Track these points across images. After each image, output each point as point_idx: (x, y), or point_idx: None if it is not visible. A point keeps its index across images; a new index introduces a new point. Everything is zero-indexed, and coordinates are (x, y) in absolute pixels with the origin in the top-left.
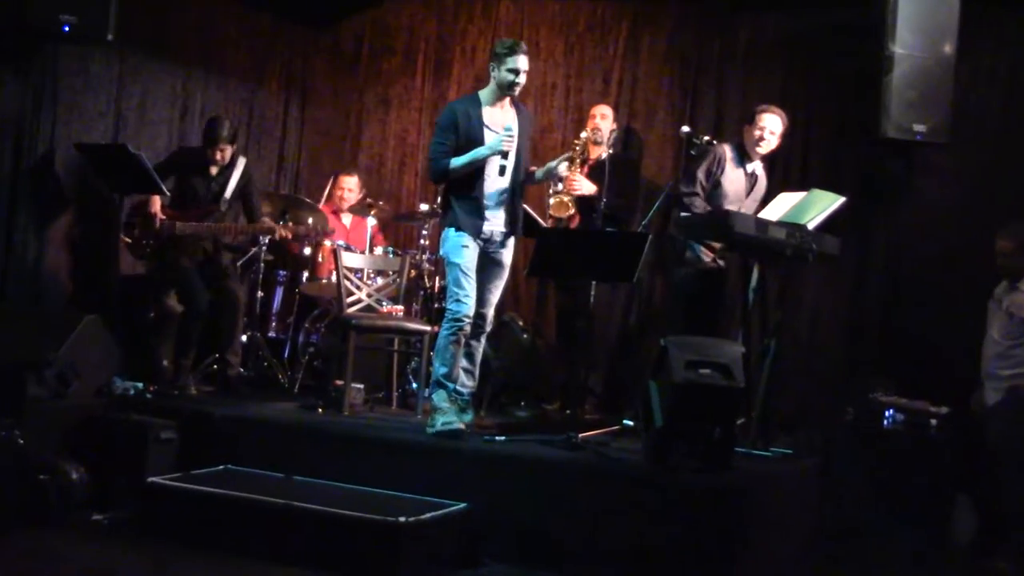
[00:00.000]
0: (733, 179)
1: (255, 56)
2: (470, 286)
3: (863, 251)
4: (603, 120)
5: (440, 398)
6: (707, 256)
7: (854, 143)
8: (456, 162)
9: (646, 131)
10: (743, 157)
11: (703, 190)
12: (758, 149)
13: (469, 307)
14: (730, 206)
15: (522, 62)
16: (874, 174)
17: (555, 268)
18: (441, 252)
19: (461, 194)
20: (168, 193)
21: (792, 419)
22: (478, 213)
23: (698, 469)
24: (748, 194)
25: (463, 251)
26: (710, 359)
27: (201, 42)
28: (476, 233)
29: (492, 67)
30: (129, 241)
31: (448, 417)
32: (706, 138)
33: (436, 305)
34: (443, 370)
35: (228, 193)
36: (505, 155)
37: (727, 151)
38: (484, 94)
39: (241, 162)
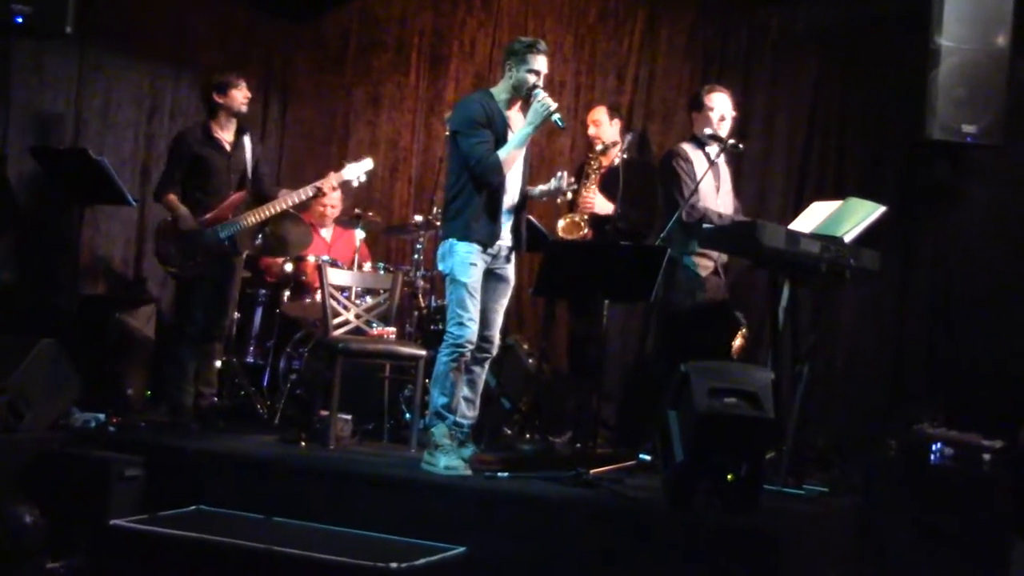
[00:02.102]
0: (702, 173)
1: (230, 52)
2: (475, 308)
3: (906, 266)
4: (597, 127)
5: (439, 432)
6: (705, 270)
7: (896, 146)
8: (504, 153)
9: (664, 134)
10: (702, 148)
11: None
12: (719, 132)
13: (473, 331)
14: (708, 204)
15: (542, 62)
16: (918, 180)
17: (564, 286)
18: (442, 268)
19: (480, 200)
20: (134, 203)
21: (828, 453)
22: (495, 221)
23: (723, 509)
24: (719, 187)
25: (471, 269)
26: (736, 386)
27: (171, 36)
28: (490, 242)
29: (508, 65)
30: (174, 270)
31: (451, 460)
32: (731, 141)
33: (432, 327)
34: (443, 400)
35: (249, 171)
36: (560, 119)
37: (685, 147)
38: (498, 93)
39: (246, 136)
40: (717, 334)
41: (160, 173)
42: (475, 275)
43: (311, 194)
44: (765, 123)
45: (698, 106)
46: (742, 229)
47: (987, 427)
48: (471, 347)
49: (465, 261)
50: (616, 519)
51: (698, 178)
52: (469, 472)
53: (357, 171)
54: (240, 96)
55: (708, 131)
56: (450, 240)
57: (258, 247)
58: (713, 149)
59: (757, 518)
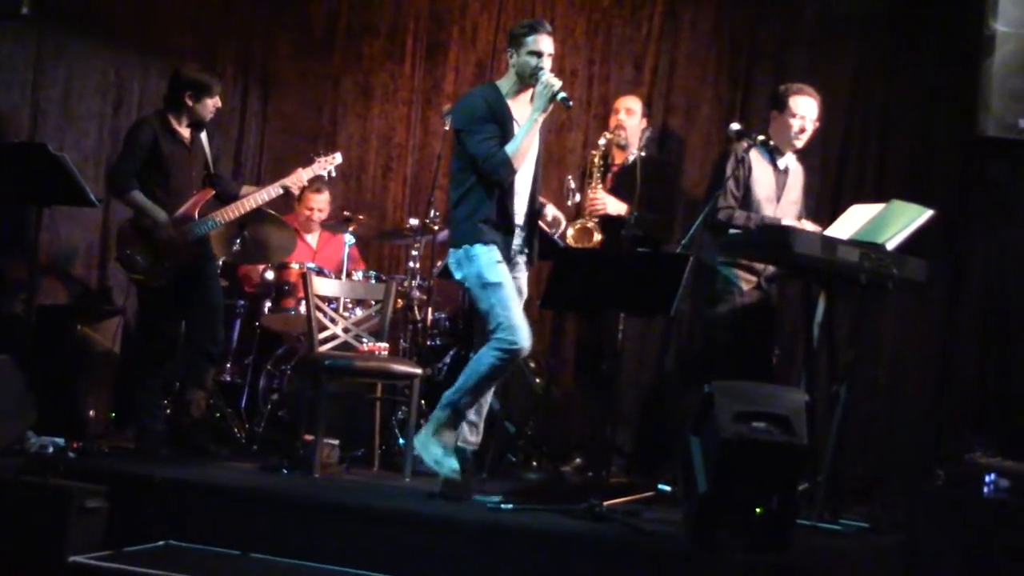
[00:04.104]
0: (761, 179)
1: (205, 37)
2: (520, 310)
3: (956, 277)
4: (629, 116)
5: (443, 417)
6: (747, 283)
7: (945, 144)
8: (511, 148)
9: (686, 129)
10: (771, 152)
11: (736, 200)
12: (796, 142)
13: (528, 332)
14: (764, 213)
15: (545, 43)
16: (970, 182)
17: (574, 297)
18: (460, 275)
19: (490, 202)
20: (98, 203)
21: (868, 484)
22: (507, 223)
23: (751, 546)
24: (780, 196)
25: (499, 268)
26: (766, 410)
27: (138, 19)
28: (505, 246)
29: (511, 53)
30: (140, 276)
31: (447, 457)
32: (760, 137)
33: (428, 342)
34: (466, 400)
35: (212, 167)
36: (566, 99)
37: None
38: (503, 85)
39: (202, 133)
40: (758, 353)
41: (116, 163)
42: (506, 273)
43: (277, 193)
44: None
45: (780, 105)
46: (773, 234)
47: None
48: (527, 354)
49: (492, 261)
50: (632, 556)
51: (754, 183)
52: (457, 477)
53: (326, 167)
54: (212, 106)
55: (735, 126)
56: (464, 246)
57: (236, 253)
58: (787, 158)
59: (789, 556)
